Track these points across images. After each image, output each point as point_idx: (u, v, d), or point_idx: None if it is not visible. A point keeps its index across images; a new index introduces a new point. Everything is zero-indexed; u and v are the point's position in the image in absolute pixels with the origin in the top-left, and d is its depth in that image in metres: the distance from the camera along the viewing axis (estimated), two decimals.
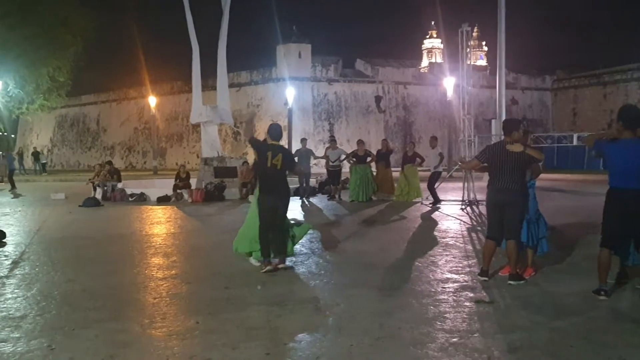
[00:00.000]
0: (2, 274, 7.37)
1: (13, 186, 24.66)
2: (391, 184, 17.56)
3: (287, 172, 7.44)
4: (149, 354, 4.46)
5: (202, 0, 22.61)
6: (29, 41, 32.04)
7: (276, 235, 7.36)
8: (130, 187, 19.01)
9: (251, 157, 37.52)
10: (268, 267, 7.20)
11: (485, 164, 6.81)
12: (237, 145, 45.64)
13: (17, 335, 4.91)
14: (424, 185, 16.14)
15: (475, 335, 4.85)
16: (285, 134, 41.99)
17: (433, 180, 15.66)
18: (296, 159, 18.15)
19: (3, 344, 4.70)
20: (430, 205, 15.05)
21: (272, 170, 7.21)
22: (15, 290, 6.52)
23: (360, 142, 18.03)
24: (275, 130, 7.43)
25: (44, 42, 33.30)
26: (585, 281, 6.35)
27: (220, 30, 20.47)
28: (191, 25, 20.23)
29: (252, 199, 7.97)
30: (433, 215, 13.25)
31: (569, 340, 4.70)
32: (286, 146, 36.59)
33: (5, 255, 8.70)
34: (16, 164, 30.79)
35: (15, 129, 62.61)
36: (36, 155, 44.71)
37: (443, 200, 15.78)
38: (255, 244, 7.51)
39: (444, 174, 17.08)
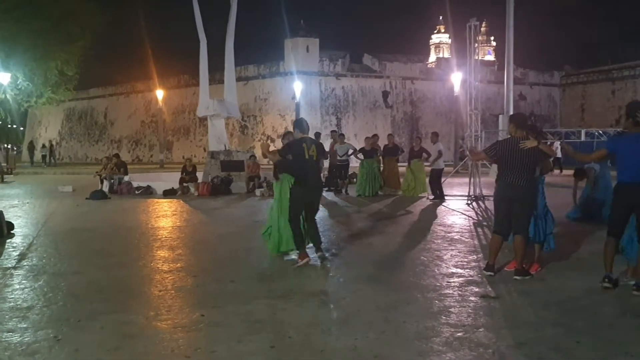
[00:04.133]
0: (10, 265, 7.42)
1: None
2: (397, 178, 17.54)
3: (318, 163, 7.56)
4: (154, 346, 4.48)
5: None
6: (37, 34, 32.09)
7: (312, 226, 7.41)
8: (137, 180, 19.06)
9: (258, 151, 37.33)
10: (305, 260, 7.14)
11: (494, 157, 6.80)
12: (244, 139, 45.67)
13: (24, 326, 4.94)
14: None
15: (481, 330, 4.84)
16: (291, 128, 42.03)
17: (435, 177, 15.55)
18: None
19: (10, 334, 4.73)
20: (431, 200, 14.99)
21: (311, 162, 7.22)
22: (23, 281, 6.56)
23: (367, 138, 18.03)
24: (305, 124, 7.48)
25: (52, 36, 33.34)
26: (591, 277, 6.33)
27: (228, 23, 20.46)
28: (199, 19, 20.24)
29: (276, 195, 7.89)
30: (439, 210, 13.23)
31: (575, 335, 4.69)
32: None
33: (14, 247, 8.75)
34: (1, 158, 30.74)
35: (24, 121, 62.88)
36: (44, 147, 45.15)
37: (449, 196, 15.75)
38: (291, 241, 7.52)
39: (447, 169, 17.04)
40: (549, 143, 6.82)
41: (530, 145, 6.36)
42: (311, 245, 7.53)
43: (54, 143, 50.03)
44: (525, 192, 6.44)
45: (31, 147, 49.12)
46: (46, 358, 4.28)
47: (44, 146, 47.50)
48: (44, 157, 44.36)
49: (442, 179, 15.82)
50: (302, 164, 7.22)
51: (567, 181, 11.54)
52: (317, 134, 18.66)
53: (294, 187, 7.33)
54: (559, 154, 19.84)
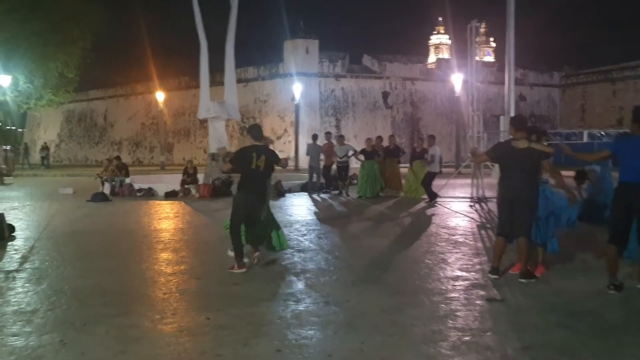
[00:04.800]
0: (12, 268, 7.39)
1: None
2: (399, 180, 17.51)
3: (270, 172, 7.47)
4: (160, 350, 4.46)
5: None
6: (37, 36, 32.07)
7: (252, 230, 7.41)
8: (138, 182, 19.03)
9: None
10: (241, 270, 7.00)
11: (495, 160, 6.80)
12: (244, 141, 45.61)
13: (28, 330, 4.92)
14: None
15: (488, 333, 4.82)
16: (291, 130, 42.06)
17: (429, 179, 15.50)
18: (307, 154, 18.25)
19: (15, 338, 4.71)
20: (426, 202, 14.94)
21: (257, 172, 7.21)
22: (26, 285, 6.53)
23: (368, 139, 18.03)
24: (258, 131, 7.49)
25: (52, 37, 33.32)
26: (597, 279, 6.31)
27: (228, 25, 20.41)
28: (199, 21, 20.18)
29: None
30: (442, 212, 13.20)
31: (582, 339, 4.67)
32: (293, 141, 36.56)
33: (15, 250, 8.72)
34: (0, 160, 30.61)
35: (23, 123, 62.83)
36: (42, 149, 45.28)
37: (451, 197, 15.73)
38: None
39: (449, 170, 17.00)
40: (546, 144, 6.81)
41: (521, 146, 6.36)
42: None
43: (48, 145, 50.13)
44: (526, 193, 6.42)
45: (26, 149, 49.06)
46: None
47: (42, 148, 47.50)
48: (43, 158, 44.35)
49: (444, 182, 15.77)
50: (248, 173, 7.25)
51: (568, 182, 11.49)
52: (315, 136, 18.68)
53: (236, 194, 7.48)
54: None
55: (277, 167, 7.73)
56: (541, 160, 6.60)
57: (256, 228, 7.46)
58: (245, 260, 7.16)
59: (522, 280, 6.41)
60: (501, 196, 6.69)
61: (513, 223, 6.55)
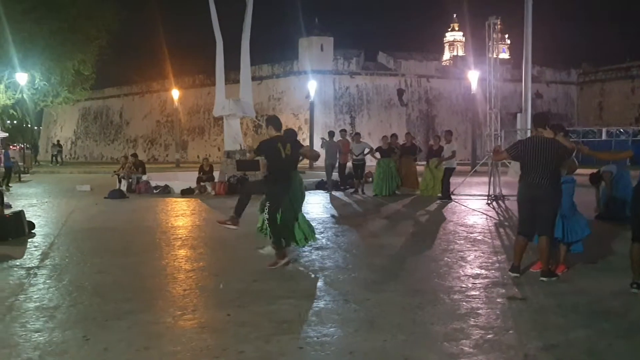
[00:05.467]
0: (33, 265, 7.45)
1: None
2: (415, 178, 17.44)
3: (296, 160, 7.46)
4: (182, 346, 4.46)
5: None
6: (54, 35, 32.35)
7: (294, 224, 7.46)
8: (155, 179, 19.14)
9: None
10: (282, 262, 7.09)
11: (516, 157, 6.74)
12: (258, 139, 45.65)
13: (51, 326, 4.95)
14: None
15: (510, 332, 4.78)
16: (306, 128, 41.98)
17: (447, 175, 15.34)
18: (321, 146, 18.23)
19: (39, 333, 4.74)
20: (439, 201, 14.76)
21: (287, 161, 7.20)
22: (47, 281, 6.58)
23: (384, 137, 17.98)
24: (278, 122, 7.49)
25: (69, 36, 33.59)
26: (620, 279, 6.23)
27: (243, 23, 20.45)
28: (215, 19, 20.25)
29: None
30: (459, 210, 13.13)
31: (606, 338, 4.61)
32: (308, 139, 36.54)
33: (35, 246, 8.80)
34: (18, 157, 30.95)
35: (40, 121, 63.39)
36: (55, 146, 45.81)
37: (468, 195, 15.65)
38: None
39: (465, 169, 16.88)
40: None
41: (547, 136, 6.30)
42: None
43: (62, 143, 50.68)
44: (548, 192, 6.36)
45: (35, 147, 49.41)
46: (76, 357, 4.29)
47: (54, 145, 47.92)
48: (54, 156, 44.68)
49: (461, 180, 15.67)
50: (279, 164, 7.19)
51: (585, 180, 11.41)
52: (331, 133, 18.64)
53: (270, 187, 7.30)
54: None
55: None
56: (565, 158, 6.54)
57: (295, 220, 7.47)
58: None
59: (544, 278, 6.35)
60: (522, 194, 6.62)
61: (534, 221, 6.49)
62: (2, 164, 24.10)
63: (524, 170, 6.63)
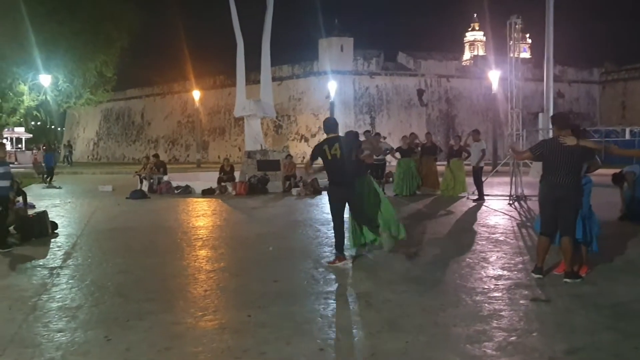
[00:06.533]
0: (56, 265, 7.53)
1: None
2: (436, 178, 17.32)
3: (352, 159, 7.34)
4: (203, 347, 4.47)
5: None
6: (77, 37, 32.72)
7: (358, 221, 7.58)
8: (176, 179, 19.26)
9: (293, 150, 37.14)
10: (342, 262, 7.19)
11: (539, 158, 6.66)
12: (278, 139, 45.80)
13: (74, 326, 4.99)
14: (469, 180, 15.81)
15: (534, 334, 4.71)
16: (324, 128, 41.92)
17: (479, 175, 15.25)
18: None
19: (61, 333, 4.78)
20: (475, 201, 14.71)
21: (334, 162, 7.20)
22: (70, 281, 6.64)
23: (404, 137, 17.89)
24: (328, 124, 7.52)
25: (91, 38, 33.96)
26: None
27: (264, 24, 20.51)
28: (236, 20, 20.35)
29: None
30: (480, 211, 13.01)
31: (633, 341, 4.53)
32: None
33: (58, 246, 8.89)
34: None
35: (63, 122, 64.22)
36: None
37: (489, 195, 15.51)
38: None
39: (486, 168, 16.70)
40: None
41: (570, 144, 6.20)
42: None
43: (72, 144, 51.49)
44: (571, 192, 6.28)
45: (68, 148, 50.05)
46: (97, 358, 4.31)
47: (65, 146, 48.49)
48: (65, 157, 45.17)
49: (483, 179, 15.52)
50: (327, 166, 7.35)
51: (607, 180, 11.26)
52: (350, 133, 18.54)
53: (328, 188, 7.68)
54: None
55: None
56: (590, 159, 6.45)
57: (362, 218, 7.55)
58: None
59: (567, 280, 6.26)
60: (544, 195, 6.53)
61: (556, 222, 6.41)
62: (42, 164, 25.77)
63: (546, 170, 6.54)
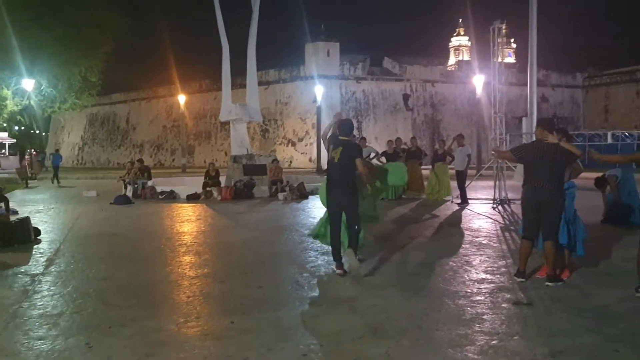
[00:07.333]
0: (38, 271, 7.45)
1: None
2: (421, 182, 17.39)
3: (350, 165, 7.01)
4: (185, 354, 4.45)
5: None
6: (61, 41, 32.51)
7: (347, 228, 7.20)
8: (160, 184, 19.17)
9: (280, 154, 37.15)
10: (339, 271, 7.00)
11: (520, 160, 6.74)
12: (265, 143, 45.77)
13: (55, 333, 4.94)
14: (454, 183, 15.91)
15: (516, 337, 4.74)
16: (313, 132, 42.03)
17: (462, 179, 15.39)
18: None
19: (42, 341, 4.74)
20: (459, 205, 14.82)
21: (333, 164, 7.11)
22: (52, 288, 6.58)
23: (390, 142, 17.96)
24: (340, 127, 7.28)
25: (76, 42, 33.74)
26: (625, 284, 6.17)
27: (250, 28, 20.52)
28: (221, 24, 20.33)
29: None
30: (465, 214, 13.09)
31: (613, 344, 4.57)
32: (315, 143, 36.50)
33: (41, 253, 8.80)
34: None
35: (48, 127, 63.71)
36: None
37: (473, 199, 15.60)
38: (321, 228, 7.65)
39: (470, 172, 16.82)
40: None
41: (551, 141, 6.26)
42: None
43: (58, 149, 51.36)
44: (553, 195, 6.32)
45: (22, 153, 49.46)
46: None
47: (38, 152, 48.08)
48: (39, 162, 44.76)
49: (467, 183, 15.64)
50: (328, 165, 7.27)
51: (590, 184, 11.40)
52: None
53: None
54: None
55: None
56: (570, 162, 6.50)
57: (351, 226, 7.17)
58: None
59: (549, 283, 6.31)
60: (527, 199, 6.58)
61: (538, 225, 6.46)
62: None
63: (528, 174, 6.59)
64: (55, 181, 26.74)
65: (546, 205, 6.34)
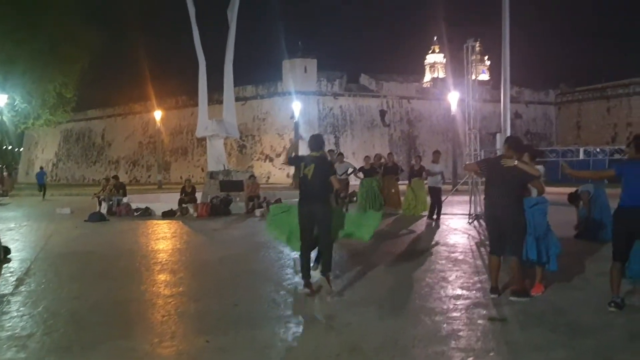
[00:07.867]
0: (7, 292, 7.29)
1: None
2: (398, 197, 17.47)
3: (323, 181, 7.01)
4: None
5: (208, 15, 22.69)
6: (35, 56, 32.21)
7: (321, 245, 7.19)
8: (136, 201, 18.96)
9: (257, 170, 37.23)
10: (306, 290, 6.86)
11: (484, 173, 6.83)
12: (242, 159, 45.65)
13: (23, 356, 4.83)
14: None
15: (491, 354, 4.76)
16: (289, 147, 42.09)
17: (437, 195, 15.46)
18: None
19: None
20: (434, 220, 14.85)
21: (305, 180, 7.08)
22: (21, 308, 6.44)
23: (367, 157, 18.04)
24: (311, 141, 7.29)
25: (51, 58, 33.47)
26: (598, 298, 6.25)
27: (227, 44, 20.53)
28: (198, 40, 20.30)
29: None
30: (441, 230, 13.15)
31: (587, 358, 4.61)
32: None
33: (11, 272, 8.62)
34: None
35: (21, 143, 62.80)
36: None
37: (447, 214, 15.70)
38: (294, 240, 7.43)
39: (446, 187, 16.98)
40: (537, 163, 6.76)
41: (509, 164, 6.31)
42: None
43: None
44: (508, 212, 6.35)
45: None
46: None
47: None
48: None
49: (443, 198, 15.75)
50: (300, 181, 7.25)
51: (563, 199, 11.57)
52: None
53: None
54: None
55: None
56: (527, 182, 6.53)
57: (323, 243, 7.14)
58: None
59: (513, 298, 6.33)
60: (487, 213, 6.70)
61: (503, 240, 6.49)
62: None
63: (486, 188, 6.70)
64: (42, 197, 28.52)
65: (505, 222, 6.38)
